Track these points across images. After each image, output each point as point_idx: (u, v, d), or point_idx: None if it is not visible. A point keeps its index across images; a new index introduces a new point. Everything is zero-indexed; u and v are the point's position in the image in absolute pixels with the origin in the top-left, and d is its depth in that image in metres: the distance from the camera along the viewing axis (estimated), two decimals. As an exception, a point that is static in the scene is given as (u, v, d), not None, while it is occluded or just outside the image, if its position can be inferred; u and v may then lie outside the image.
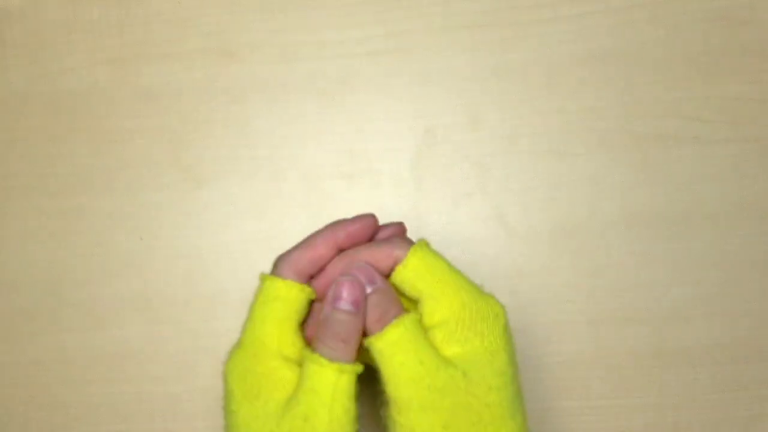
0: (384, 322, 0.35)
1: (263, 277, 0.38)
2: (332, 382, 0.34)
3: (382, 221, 0.48)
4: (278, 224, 0.48)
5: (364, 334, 0.36)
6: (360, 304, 0.36)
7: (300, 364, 0.36)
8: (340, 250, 0.38)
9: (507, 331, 0.36)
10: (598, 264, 0.48)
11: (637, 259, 0.48)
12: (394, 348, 0.35)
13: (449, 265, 0.37)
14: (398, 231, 0.39)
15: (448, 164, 0.48)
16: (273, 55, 0.49)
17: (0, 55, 0.49)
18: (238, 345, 0.37)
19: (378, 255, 0.37)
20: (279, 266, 0.37)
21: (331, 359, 0.35)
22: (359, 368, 0.35)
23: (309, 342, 0.38)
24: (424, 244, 0.37)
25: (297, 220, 0.48)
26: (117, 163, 0.49)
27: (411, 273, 0.37)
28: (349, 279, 0.36)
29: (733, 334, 0.47)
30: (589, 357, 0.47)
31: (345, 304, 0.35)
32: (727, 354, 0.47)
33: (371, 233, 0.38)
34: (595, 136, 0.48)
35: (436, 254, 0.37)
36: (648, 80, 0.48)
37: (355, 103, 0.49)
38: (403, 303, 0.37)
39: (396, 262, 0.37)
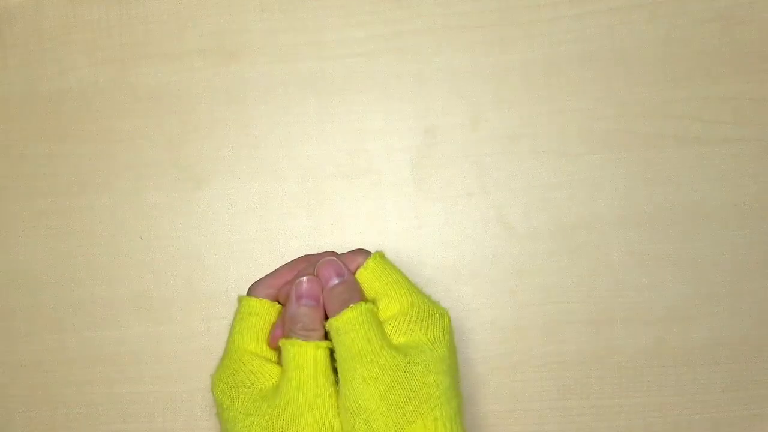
0: (345, 307, 0.40)
1: (240, 298, 0.44)
2: (312, 355, 0.40)
3: (382, 221, 0.48)
4: (278, 224, 0.48)
5: (327, 319, 0.41)
6: (319, 298, 0.41)
7: (279, 363, 0.42)
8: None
9: (449, 331, 0.42)
10: (598, 264, 0.48)
11: (637, 259, 0.48)
12: (347, 326, 0.40)
13: (402, 273, 0.43)
14: (361, 250, 0.44)
15: (448, 164, 0.48)
16: (273, 55, 0.49)
17: (0, 55, 0.49)
18: (222, 358, 0.43)
19: (343, 260, 0.43)
20: (252, 290, 0.44)
21: (306, 340, 0.40)
22: (330, 344, 0.40)
23: (273, 347, 0.43)
24: (382, 253, 0.43)
25: (297, 220, 0.48)
26: (117, 163, 0.49)
27: (370, 274, 0.42)
28: (307, 278, 0.42)
29: (733, 334, 0.47)
30: (589, 357, 0.47)
31: (307, 300, 0.41)
32: (727, 354, 0.47)
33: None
34: (595, 136, 0.48)
35: (391, 263, 0.43)
36: (648, 80, 0.48)
37: (355, 103, 0.49)
38: None
39: (358, 267, 0.43)
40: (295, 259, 0.44)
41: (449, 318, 0.42)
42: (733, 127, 0.48)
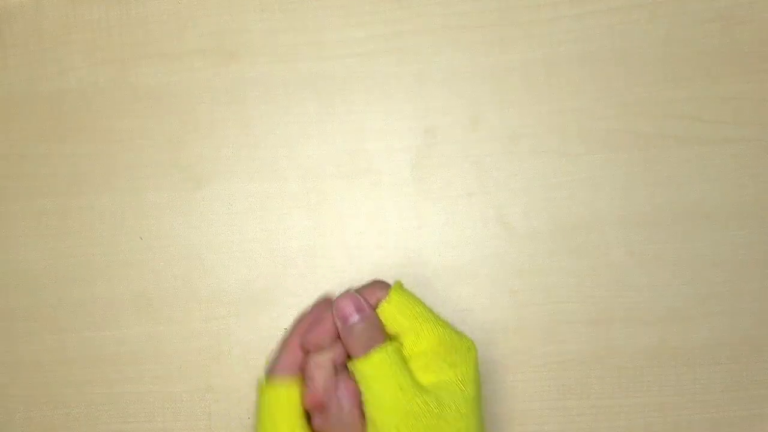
0: (369, 348, 0.39)
1: (262, 389, 0.41)
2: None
3: (382, 221, 0.48)
4: (278, 224, 0.48)
5: (350, 357, 0.40)
6: (365, 309, 0.40)
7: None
8: (308, 346, 0.41)
9: (476, 364, 0.40)
10: (598, 264, 0.48)
11: (637, 259, 0.48)
12: (376, 371, 0.38)
13: (424, 304, 0.41)
14: (378, 282, 0.42)
15: (448, 164, 0.48)
16: (273, 55, 0.49)
17: (0, 55, 0.49)
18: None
19: (362, 293, 0.41)
20: (271, 373, 0.41)
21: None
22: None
23: (312, 410, 0.40)
24: (401, 283, 0.42)
25: (297, 220, 0.48)
26: (117, 163, 0.49)
27: (394, 309, 0.40)
28: (343, 297, 0.40)
29: (733, 334, 0.47)
30: (589, 357, 0.47)
31: (353, 318, 0.39)
32: (727, 354, 0.47)
33: (329, 306, 0.41)
34: (595, 136, 0.48)
35: (412, 293, 0.42)
36: (648, 80, 0.48)
37: (355, 103, 0.49)
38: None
39: (379, 301, 0.41)
40: (296, 327, 0.42)
41: (476, 350, 0.41)
42: (733, 127, 0.48)
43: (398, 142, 0.48)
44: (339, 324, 0.40)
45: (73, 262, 0.48)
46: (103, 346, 0.48)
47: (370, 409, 0.38)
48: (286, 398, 0.40)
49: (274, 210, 0.48)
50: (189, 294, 0.48)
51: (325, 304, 0.42)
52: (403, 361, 0.39)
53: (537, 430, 0.47)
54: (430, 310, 0.41)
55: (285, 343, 0.42)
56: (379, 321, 0.40)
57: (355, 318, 0.39)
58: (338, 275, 0.48)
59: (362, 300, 0.40)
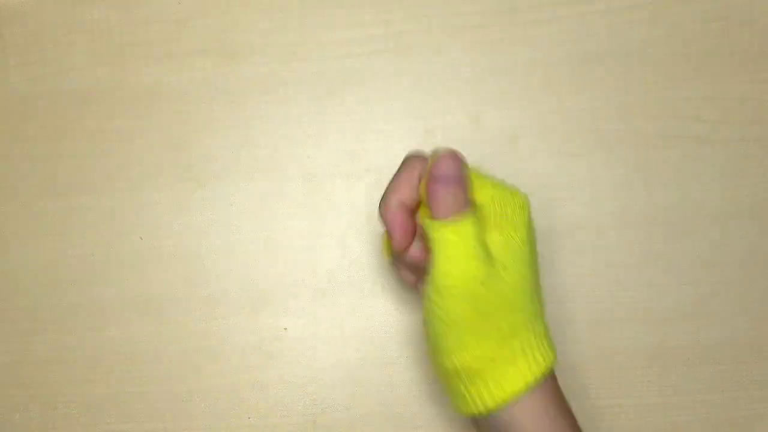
0: (452, 211, 0.37)
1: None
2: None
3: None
4: (278, 224, 0.48)
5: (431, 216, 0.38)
6: (460, 171, 0.38)
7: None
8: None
9: (531, 221, 0.40)
10: (598, 264, 0.48)
11: (637, 259, 0.48)
12: (455, 238, 0.37)
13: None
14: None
15: (448, 164, 0.48)
16: (273, 55, 0.49)
17: (0, 55, 0.49)
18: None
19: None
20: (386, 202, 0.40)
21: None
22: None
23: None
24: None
25: (297, 220, 0.48)
26: (117, 163, 0.49)
27: None
28: (444, 153, 0.38)
29: (733, 334, 0.47)
30: (589, 357, 0.47)
31: (446, 176, 0.37)
32: (727, 354, 0.47)
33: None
34: (595, 136, 0.48)
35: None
36: (648, 80, 0.48)
37: (355, 103, 0.49)
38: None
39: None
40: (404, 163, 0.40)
41: (529, 206, 0.40)
42: (733, 127, 0.48)
43: (398, 142, 0.48)
44: (431, 180, 0.38)
45: (73, 262, 0.48)
46: (103, 346, 0.48)
47: (438, 273, 0.37)
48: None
49: (274, 210, 0.48)
50: (189, 294, 0.48)
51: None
52: (481, 231, 0.38)
53: (537, 430, 0.47)
54: (478, 171, 0.40)
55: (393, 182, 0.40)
56: (467, 185, 0.38)
57: (449, 176, 0.38)
58: (338, 275, 0.48)
59: (459, 159, 0.38)
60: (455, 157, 0.38)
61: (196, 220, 0.48)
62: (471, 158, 0.48)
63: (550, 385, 0.39)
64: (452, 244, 0.37)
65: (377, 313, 0.48)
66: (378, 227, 0.48)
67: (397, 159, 0.48)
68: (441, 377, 0.40)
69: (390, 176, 0.48)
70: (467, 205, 0.38)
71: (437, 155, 0.38)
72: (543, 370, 0.38)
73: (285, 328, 0.48)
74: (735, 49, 0.48)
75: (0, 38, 0.49)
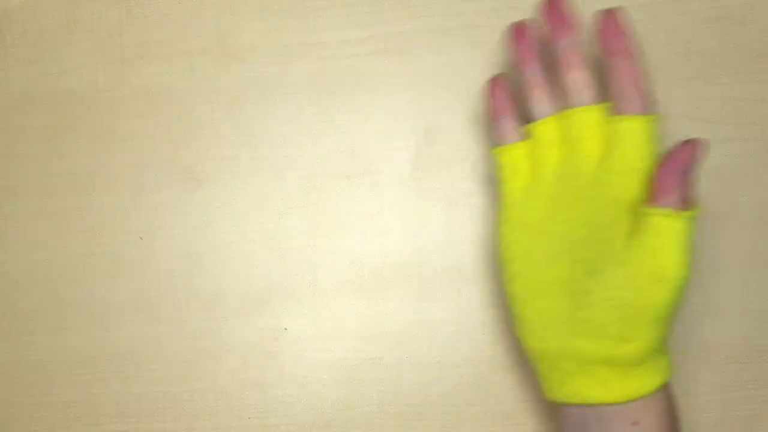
0: (683, 205, 0.37)
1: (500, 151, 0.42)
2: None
3: (382, 221, 0.48)
4: (278, 224, 0.48)
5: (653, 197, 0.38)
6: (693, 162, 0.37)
7: None
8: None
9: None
10: (598, 264, 0.48)
11: (637, 259, 0.48)
12: (678, 236, 0.37)
13: None
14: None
15: (448, 164, 0.48)
16: (273, 55, 0.49)
17: (0, 55, 0.49)
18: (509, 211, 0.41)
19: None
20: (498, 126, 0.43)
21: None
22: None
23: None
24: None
25: (297, 220, 0.48)
26: (117, 163, 0.49)
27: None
28: (688, 144, 0.37)
29: (733, 334, 0.47)
30: (589, 357, 0.47)
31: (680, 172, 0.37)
32: (727, 354, 0.47)
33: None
34: (595, 136, 0.48)
35: None
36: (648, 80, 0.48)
37: (355, 103, 0.49)
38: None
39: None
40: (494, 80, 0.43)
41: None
42: (733, 127, 0.48)
43: (398, 142, 0.48)
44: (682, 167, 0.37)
45: (73, 262, 0.48)
46: (103, 346, 0.48)
47: (674, 266, 0.37)
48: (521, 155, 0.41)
49: (274, 210, 0.48)
50: (189, 294, 0.48)
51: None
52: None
53: (537, 430, 0.47)
54: None
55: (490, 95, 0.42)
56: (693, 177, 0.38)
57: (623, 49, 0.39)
58: (338, 275, 0.48)
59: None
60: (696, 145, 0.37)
61: (196, 220, 0.48)
62: (471, 158, 0.48)
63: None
64: (669, 236, 0.37)
65: (377, 313, 0.48)
66: (378, 231, 0.48)
67: (397, 159, 0.48)
68: (605, 355, 0.39)
69: (390, 176, 0.49)
70: (694, 200, 0.38)
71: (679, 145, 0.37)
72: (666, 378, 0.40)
73: (285, 328, 0.48)
74: (735, 49, 0.48)
75: (0, 38, 0.49)
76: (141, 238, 0.48)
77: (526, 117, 0.43)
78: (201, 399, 0.48)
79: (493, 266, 0.48)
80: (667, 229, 0.37)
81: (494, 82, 0.43)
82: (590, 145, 0.40)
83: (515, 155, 0.42)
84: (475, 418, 0.47)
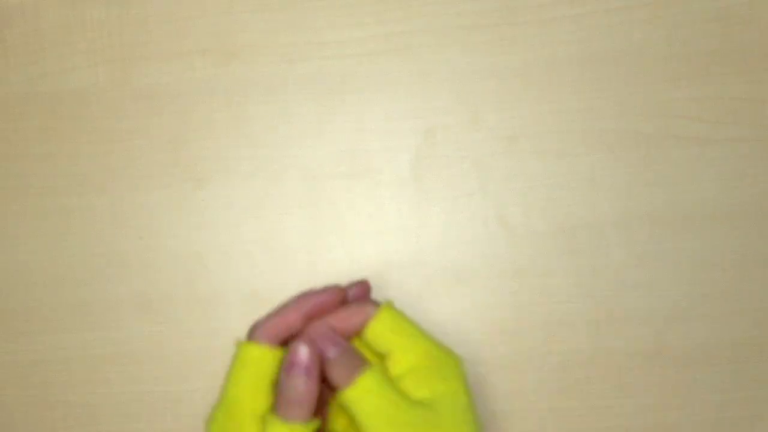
0: (354, 376, 0.38)
1: (238, 344, 0.41)
2: (376, 381, 0.38)
3: (382, 221, 0.48)
4: (278, 224, 0.48)
5: (334, 391, 0.40)
6: (312, 370, 0.39)
7: None
8: (310, 318, 0.41)
9: (465, 377, 0.40)
10: (598, 264, 0.48)
11: (637, 259, 0.48)
12: (367, 395, 0.38)
13: (413, 321, 0.41)
14: (364, 290, 0.43)
15: (448, 164, 0.48)
16: (273, 55, 0.49)
17: (0, 55, 0.49)
18: (218, 406, 0.41)
19: (350, 314, 0.41)
20: (253, 333, 0.41)
21: (286, 420, 0.38)
22: (316, 424, 0.39)
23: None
24: (392, 303, 0.42)
25: (297, 220, 0.48)
26: (117, 163, 0.49)
27: (383, 326, 0.40)
28: (301, 346, 0.39)
29: (733, 334, 0.47)
30: (589, 357, 0.47)
31: (298, 370, 0.39)
32: (727, 354, 0.47)
33: (338, 302, 0.42)
34: (595, 136, 0.48)
35: (401, 312, 0.41)
36: (648, 80, 0.48)
37: (355, 103, 0.49)
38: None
39: (367, 318, 0.41)
40: (299, 297, 0.42)
41: (463, 364, 0.41)
42: (733, 127, 0.48)
43: (398, 142, 0.48)
44: (317, 373, 0.39)
45: (73, 262, 0.48)
46: (103, 346, 0.48)
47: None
48: (260, 363, 0.40)
49: (274, 210, 0.48)
50: (189, 294, 0.48)
51: (336, 292, 0.42)
52: (390, 380, 0.39)
53: (537, 430, 0.47)
54: (419, 328, 0.41)
55: (280, 310, 0.41)
56: (356, 349, 0.40)
57: (332, 352, 0.39)
58: (338, 275, 0.48)
59: (335, 334, 0.40)
60: (327, 334, 0.40)
61: (196, 220, 0.48)
62: (471, 158, 0.48)
63: None
64: (362, 400, 0.38)
65: (377, 313, 0.48)
66: (378, 231, 0.48)
67: (397, 159, 0.48)
68: None
69: (390, 176, 0.49)
70: (363, 364, 0.39)
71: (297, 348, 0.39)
72: None
73: (285, 328, 0.48)
74: (735, 49, 0.48)
75: (0, 38, 0.49)
76: (141, 238, 0.48)
77: None
78: (201, 399, 0.48)
79: (492, 266, 0.48)
80: (348, 404, 0.38)
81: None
82: None
83: None
84: (475, 418, 0.47)
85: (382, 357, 0.41)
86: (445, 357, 0.40)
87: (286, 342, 0.41)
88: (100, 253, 0.48)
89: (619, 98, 0.48)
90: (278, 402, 0.39)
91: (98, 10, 0.49)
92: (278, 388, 0.39)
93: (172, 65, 0.49)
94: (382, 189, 0.48)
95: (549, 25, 0.48)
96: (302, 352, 0.39)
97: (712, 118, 0.48)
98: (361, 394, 0.38)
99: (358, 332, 0.41)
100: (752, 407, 0.47)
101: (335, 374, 0.39)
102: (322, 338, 0.40)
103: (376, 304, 0.41)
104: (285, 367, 0.39)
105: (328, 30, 0.49)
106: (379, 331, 0.41)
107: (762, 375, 0.47)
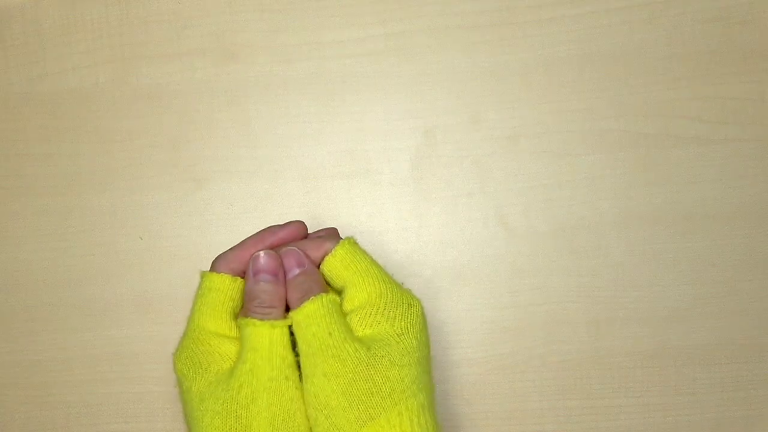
0: (304, 299, 0.39)
1: (202, 274, 0.42)
2: (268, 336, 0.39)
3: (381, 221, 0.48)
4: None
5: (288, 309, 0.40)
6: (278, 272, 0.40)
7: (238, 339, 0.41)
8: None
9: (420, 321, 0.40)
10: (598, 264, 0.48)
11: (637, 259, 0.48)
12: (309, 320, 0.39)
13: (373, 260, 0.41)
14: (331, 231, 0.44)
15: (448, 164, 0.48)
16: (273, 55, 0.49)
17: (0, 55, 0.49)
18: (183, 336, 0.41)
19: (309, 246, 0.41)
20: (215, 264, 0.42)
21: (263, 318, 0.39)
22: (289, 321, 0.39)
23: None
24: (353, 239, 0.42)
25: (297, 220, 0.48)
26: (117, 163, 0.49)
27: (338, 262, 0.41)
28: (265, 253, 0.40)
29: (733, 334, 0.47)
30: (589, 357, 0.47)
31: (264, 275, 0.40)
32: (727, 354, 0.47)
33: (300, 237, 0.42)
34: (595, 136, 0.48)
35: (362, 249, 0.42)
36: (648, 80, 0.48)
37: (355, 103, 0.49)
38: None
39: (326, 254, 0.41)
40: (261, 231, 0.42)
41: (421, 307, 0.41)
42: (733, 127, 0.48)
43: (398, 142, 0.48)
44: (283, 277, 0.40)
45: (73, 262, 0.48)
46: (103, 346, 0.48)
47: (302, 357, 0.39)
48: (221, 289, 0.41)
49: (274, 210, 0.48)
50: (189, 294, 0.48)
51: (298, 226, 0.43)
52: (339, 312, 0.39)
53: (537, 430, 0.47)
54: (377, 267, 0.41)
55: (242, 243, 0.42)
56: (319, 276, 0.41)
57: (295, 271, 0.40)
58: (338, 275, 0.48)
59: (303, 255, 0.41)
60: (295, 253, 0.41)
61: (196, 220, 0.48)
62: (471, 158, 0.48)
63: None
64: (304, 324, 0.39)
65: (377, 313, 0.48)
66: (378, 231, 0.48)
67: (397, 159, 0.48)
68: None
69: (390, 176, 0.49)
70: (318, 290, 0.40)
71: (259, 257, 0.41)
72: None
73: (285, 328, 0.48)
74: (735, 49, 0.48)
75: (0, 38, 0.49)
76: (141, 238, 0.48)
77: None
78: (201, 399, 0.48)
79: (492, 266, 0.48)
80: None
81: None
82: None
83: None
84: (476, 417, 0.47)
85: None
86: (398, 299, 0.40)
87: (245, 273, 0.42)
88: (100, 253, 0.48)
89: (619, 98, 0.48)
90: (250, 306, 0.40)
91: (98, 10, 0.49)
92: (247, 296, 0.40)
93: (172, 65, 0.49)
94: (382, 189, 0.48)
95: (549, 25, 0.48)
96: (262, 257, 0.40)
97: (712, 118, 0.48)
98: (302, 318, 0.39)
99: (317, 265, 0.42)
100: (752, 407, 0.47)
101: (289, 294, 0.40)
102: (289, 256, 0.40)
103: (337, 240, 0.42)
104: (250, 276, 0.40)
105: (328, 30, 0.49)
106: (333, 266, 0.41)
107: (762, 375, 0.47)
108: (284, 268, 0.40)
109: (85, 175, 0.49)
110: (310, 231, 0.48)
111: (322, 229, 0.44)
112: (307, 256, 0.41)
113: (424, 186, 0.48)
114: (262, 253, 0.40)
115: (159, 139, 0.49)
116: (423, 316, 0.41)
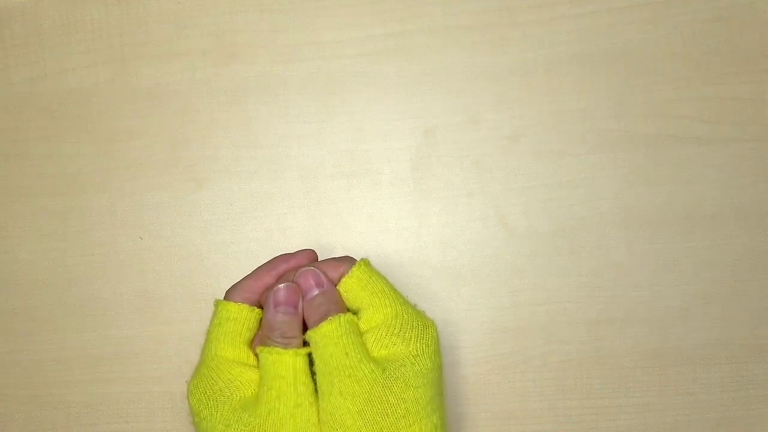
0: (321, 319, 0.40)
1: (217, 303, 0.43)
2: (291, 364, 0.39)
3: (382, 221, 0.48)
4: (278, 224, 0.48)
5: (306, 329, 0.41)
6: (297, 305, 0.41)
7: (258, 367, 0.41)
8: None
9: (434, 343, 0.41)
10: (598, 264, 0.48)
11: (637, 259, 0.48)
12: (326, 339, 0.39)
13: (388, 282, 0.42)
14: (344, 257, 0.44)
15: (448, 164, 0.48)
16: (273, 55, 0.49)
17: (0, 55, 0.49)
18: (199, 366, 0.42)
19: (326, 266, 0.42)
20: (230, 294, 0.43)
21: (285, 346, 0.40)
22: (309, 349, 0.40)
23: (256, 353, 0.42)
24: (368, 261, 0.42)
25: (297, 220, 0.48)
26: (117, 163, 0.49)
27: (355, 283, 0.41)
28: (285, 285, 0.41)
29: (733, 334, 0.47)
30: (589, 357, 0.47)
31: (284, 308, 0.41)
32: (727, 354, 0.47)
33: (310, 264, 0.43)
34: (595, 136, 0.48)
35: (377, 271, 0.42)
36: (648, 80, 0.48)
37: (355, 103, 0.49)
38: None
39: (342, 275, 0.42)
40: (273, 260, 0.43)
41: (435, 329, 0.41)
42: (733, 127, 0.48)
43: (398, 142, 0.48)
44: (301, 297, 0.41)
45: (73, 262, 0.48)
46: (103, 346, 0.48)
47: (319, 376, 0.39)
48: (237, 318, 0.42)
49: (274, 210, 0.48)
50: (189, 294, 0.48)
51: (309, 255, 0.43)
52: (357, 332, 0.40)
53: (537, 430, 0.47)
54: (393, 288, 0.42)
55: (254, 273, 0.43)
56: (338, 296, 0.41)
57: (314, 292, 0.41)
58: (338, 275, 0.48)
59: (322, 275, 0.41)
60: (314, 273, 0.41)
61: (196, 220, 0.48)
62: (471, 158, 0.48)
63: None
64: (321, 344, 0.39)
65: (377, 313, 0.48)
66: (378, 231, 0.48)
67: (397, 159, 0.48)
68: None
69: (390, 176, 0.49)
70: (337, 311, 0.40)
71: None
72: None
73: (285, 328, 0.48)
74: (735, 49, 0.48)
75: (0, 38, 0.49)
76: (141, 238, 0.48)
77: None
78: (201, 399, 0.48)
79: (492, 266, 0.48)
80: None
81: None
82: None
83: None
84: (476, 417, 0.47)
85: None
86: (413, 320, 0.41)
87: (260, 304, 0.42)
88: (100, 253, 0.48)
89: (619, 98, 0.48)
90: (271, 336, 0.40)
91: (98, 10, 0.49)
92: (267, 326, 0.40)
93: (172, 65, 0.49)
94: (382, 189, 0.48)
95: (549, 25, 0.48)
96: (282, 290, 0.41)
97: (712, 118, 0.48)
98: (320, 338, 0.39)
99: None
100: (752, 407, 0.47)
101: (307, 314, 0.41)
102: (307, 276, 0.41)
103: (352, 261, 0.42)
104: (269, 308, 0.41)
105: (328, 30, 0.49)
106: (350, 287, 0.41)
107: (762, 375, 0.47)
108: (302, 288, 0.41)
109: (85, 175, 0.49)
110: (310, 231, 0.48)
111: (332, 258, 0.44)
112: (325, 275, 0.41)
113: (424, 186, 0.48)
114: (282, 286, 0.41)
115: (159, 139, 0.49)
116: (437, 338, 0.41)
